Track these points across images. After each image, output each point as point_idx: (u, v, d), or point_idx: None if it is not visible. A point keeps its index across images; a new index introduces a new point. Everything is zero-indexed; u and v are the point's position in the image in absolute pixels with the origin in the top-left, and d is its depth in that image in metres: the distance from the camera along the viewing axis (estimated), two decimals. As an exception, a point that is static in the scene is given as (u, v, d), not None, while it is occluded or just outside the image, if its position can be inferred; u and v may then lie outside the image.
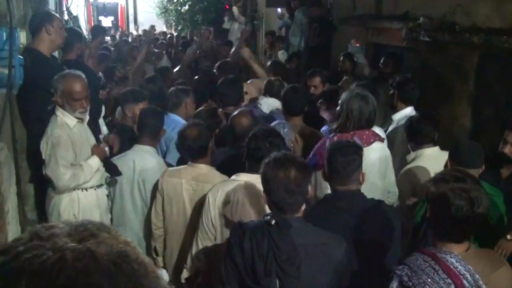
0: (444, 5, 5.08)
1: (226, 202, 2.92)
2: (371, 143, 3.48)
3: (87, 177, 3.45)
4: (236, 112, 3.84)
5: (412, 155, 3.70)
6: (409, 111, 4.36)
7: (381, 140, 3.58)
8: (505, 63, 4.39)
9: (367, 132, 3.48)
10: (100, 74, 7.01)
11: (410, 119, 3.90)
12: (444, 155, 3.31)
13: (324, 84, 5.19)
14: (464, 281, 1.89)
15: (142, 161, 3.72)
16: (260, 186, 2.77)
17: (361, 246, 2.68)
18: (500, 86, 4.47)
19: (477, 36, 4.46)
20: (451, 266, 1.92)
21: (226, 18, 12.83)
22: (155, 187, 3.55)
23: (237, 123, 3.71)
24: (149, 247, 3.76)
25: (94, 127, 4.54)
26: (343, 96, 3.58)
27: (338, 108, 3.59)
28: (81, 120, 3.53)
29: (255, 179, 2.82)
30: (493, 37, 4.31)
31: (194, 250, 3.08)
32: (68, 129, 3.41)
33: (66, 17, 13.73)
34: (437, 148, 3.70)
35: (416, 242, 2.81)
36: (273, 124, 3.81)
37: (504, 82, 4.41)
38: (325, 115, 4.48)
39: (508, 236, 3.05)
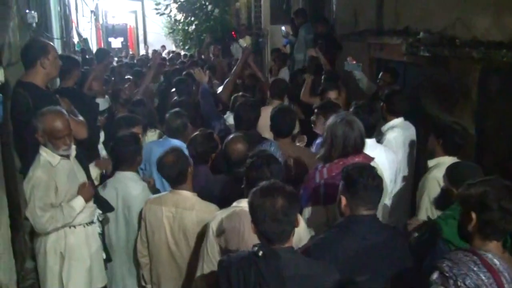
0: (444, 19, 5.01)
1: (231, 230, 2.85)
2: None
3: (67, 219, 3.38)
4: (229, 138, 3.77)
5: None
6: (397, 122, 4.58)
7: (371, 160, 3.42)
8: (506, 77, 4.30)
9: (356, 159, 3.32)
10: (106, 97, 7.02)
11: None
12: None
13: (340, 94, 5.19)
14: (502, 278, 1.91)
15: (125, 188, 3.71)
16: None
17: (375, 272, 2.60)
18: (503, 99, 4.39)
19: (477, 50, 4.39)
20: (490, 262, 1.93)
21: (232, 46, 12.87)
22: (140, 214, 3.53)
23: (232, 149, 3.65)
24: (139, 277, 3.74)
25: (92, 154, 4.55)
26: (329, 121, 3.47)
27: (324, 134, 3.48)
28: (66, 156, 3.46)
29: None
30: (493, 51, 4.23)
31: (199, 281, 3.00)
32: (51, 168, 3.35)
33: (76, 40, 13.93)
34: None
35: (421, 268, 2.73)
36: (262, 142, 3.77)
37: (507, 95, 4.32)
38: (318, 130, 4.45)
39: None
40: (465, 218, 2.31)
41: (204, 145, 3.89)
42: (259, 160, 2.92)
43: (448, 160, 3.66)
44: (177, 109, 4.82)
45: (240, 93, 5.53)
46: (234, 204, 3.00)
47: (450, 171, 3.15)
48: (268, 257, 2.18)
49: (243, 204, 2.90)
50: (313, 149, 4.43)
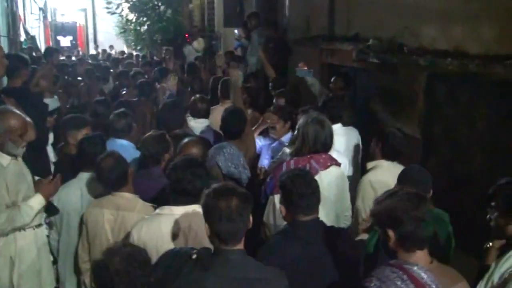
0: (393, 27, 5.17)
1: (152, 237, 2.85)
2: (328, 167, 3.52)
3: (25, 219, 3.28)
4: (185, 141, 3.75)
5: None
6: (334, 128, 4.39)
7: (338, 164, 3.60)
8: (452, 84, 4.48)
9: (323, 156, 3.54)
10: (55, 97, 6.85)
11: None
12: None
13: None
14: None
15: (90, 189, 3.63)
16: (186, 218, 2.79)
17: (321, 276, 2.66)
18: (448, 106, 4.56)
19: (424, 58, 4.55)
20: (417, 277, 1.95)
21: (185, 49, 12.78)
22: (81, 219, 3.47)
23: (186, 152, 3.60)
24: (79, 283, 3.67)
25: (40, 155, 4.43)
26: (300, 120, 3.66)
27: (295, 132, 3.63)
28: (15, 156, 3.36)
29: (180, 211, 2.83)
30: (439, 59, 4.40)
31: None
32: (2, 168, 3.25)
33: (22, 38, 13.47)
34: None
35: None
36: (219, 145, 3.81)
37: (452, 102, 4.50)
38: (277, 134, 4.52)
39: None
40: (383, 236, 2.30)
41: (156, 146, 3.83)
42: (181, 163, 2.93)
43: (385, 164, 3.79)
44: (122, 109, 4.78)
45: (198, 96, 5.51)
46: (157, 211, 3.00)
47: (401, 176, 3.23)
48: (201, 261, 2.26)
49: (165, 211, 2.92)
50: (269, 153, 4.48)
